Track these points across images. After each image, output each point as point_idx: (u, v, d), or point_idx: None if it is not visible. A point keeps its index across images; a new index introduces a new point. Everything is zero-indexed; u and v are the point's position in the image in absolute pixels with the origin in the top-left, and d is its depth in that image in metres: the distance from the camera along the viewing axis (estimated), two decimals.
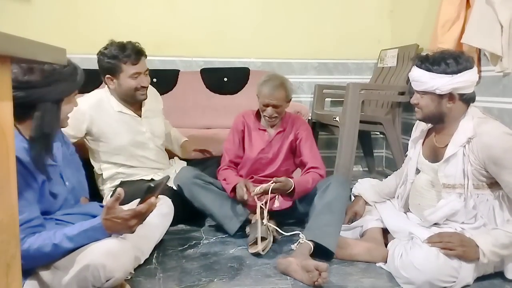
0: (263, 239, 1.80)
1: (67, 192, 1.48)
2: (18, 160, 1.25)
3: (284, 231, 1.88)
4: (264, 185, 1.86)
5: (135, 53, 2.01)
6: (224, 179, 2.06)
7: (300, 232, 1.76)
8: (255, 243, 1.79)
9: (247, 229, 1.97)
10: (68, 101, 1.41)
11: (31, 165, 1.30)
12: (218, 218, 2.01)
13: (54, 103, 1.33)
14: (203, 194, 1.99)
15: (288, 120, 2.16)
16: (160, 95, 2.44)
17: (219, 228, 2.07)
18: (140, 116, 2.17)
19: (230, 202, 2.01)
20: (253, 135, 2.15)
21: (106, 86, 2.10)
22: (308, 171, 2.04)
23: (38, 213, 1.31)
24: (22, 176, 1.26)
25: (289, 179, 1.91)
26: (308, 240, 1.69)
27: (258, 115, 2.18)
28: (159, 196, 1.84)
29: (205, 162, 2.39)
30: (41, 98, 1.29)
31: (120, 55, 1.99)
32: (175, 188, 2.05)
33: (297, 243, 1.71)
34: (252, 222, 1.95)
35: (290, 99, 2.10)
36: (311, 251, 1.68)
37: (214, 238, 2.02)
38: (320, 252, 1.70)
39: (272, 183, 1.84)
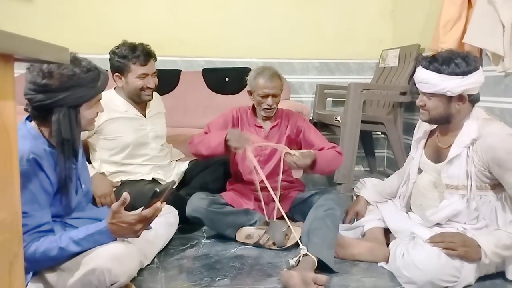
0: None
1: (82, 195, 1.48)
2: (36, 162, 1.27)
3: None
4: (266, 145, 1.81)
5: (145, 54, 2.06)
6: (205, 138, 1.94)
7: (301, 245, 1.66)
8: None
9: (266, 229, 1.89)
10: (89, 106, 1.39)
11: (49, 169, 1.30)
12: (246, 224, 1.96)
13: (71, 108, 1.32)
14: (224, 219, 1.93)
15: (281, 114, 2.14)
16: (162, 95, 2.45)
17: None
18: (145, 116, 2.20)
19: (249, 214, 1.97)
20: (249, 132, 2.08)
21: (114, 86, 2.14)
22: None
23: (49, 218, 1.31)
24: (38, 178, 1.27)
25: (310, 151, 1.85)
26: (312, 254, 1.60)
27: (254, 111, 2.15)
28: (168, 206, 1.85)
29: (205, 162, 2.39)
30: (57, 103, 1.29)
31: (130, 55, 2.04)
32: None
33: (297, 257, 1.62)
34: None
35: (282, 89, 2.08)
36: (315, 266, 1.58)
37: (216, 237, 2.01)
38: (320, 268, 1.62)
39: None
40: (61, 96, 1.29)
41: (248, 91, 2.09)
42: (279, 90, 2.03)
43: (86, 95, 1.35)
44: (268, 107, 2.02)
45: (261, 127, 2.11)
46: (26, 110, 1.35)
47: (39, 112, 1.32)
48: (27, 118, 1.37)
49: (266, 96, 2.00)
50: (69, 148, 1.33)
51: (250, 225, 1.95)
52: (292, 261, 1.64)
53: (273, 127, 2.11)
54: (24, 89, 1.30)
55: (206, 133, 2.04)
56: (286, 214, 1.83)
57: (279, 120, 2.12)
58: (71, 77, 1.30)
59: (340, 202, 1.95)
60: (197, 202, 1.93)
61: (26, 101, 1.33)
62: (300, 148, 2.06)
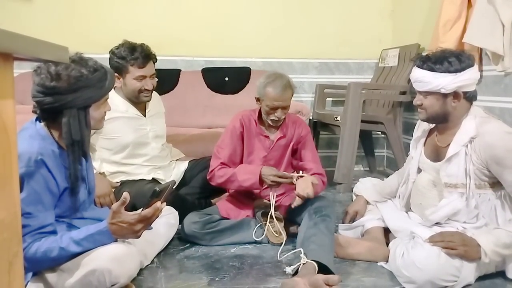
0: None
1: (86, 196, 1.48)
2: (44, 163, 1.27)
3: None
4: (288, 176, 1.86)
5: (143, 56, 2.04)
6: (231, 176, 1.92)
7: (301, 250, 1.62)
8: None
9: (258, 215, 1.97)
10: (97, 106, 1.40)
11: (56, 170, 1.31)
12: (244, 241, 1.94)
13: (81, 110, 1.33)
14: (220, 236, 1.91)
15: (288, 122, 2.04)
16: (162, 94, 2.45)
17: None
18: (145, 116, 2.20)
19: (245, 224, 1.96)
20: (255, 142, 2.02)
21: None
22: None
23: (52, 220, 1.31)
24: (45, 179, 1.27)
25: (314, 178, 1.85)
26: (311, 260, 1.55)
27: (259, 119, 2.03)
28: (169, 207, 1.85)
29: (205, 162, 2.39)
30: (66, 105, 1.29)
31: (129, 57, 2.03)
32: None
33: (295, 266, 1.57)
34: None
35: None
36: (316, 271, 1.52)
37: None
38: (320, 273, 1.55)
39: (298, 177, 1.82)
40: (70, 98, 1.29)
41: (256, 98, 1.96)
42: (289, 101, 1.91)
43: (94, 96, 1.35)
44: (277, 119, 1.93)
45: (267, 136, 2.03)
46: (34, 112, 1.35)
47: (49, 114, 1.33)
48: (37, 119, 1.38)
49: (275, 108, 1.89)
50: (79, 149, 1.34)
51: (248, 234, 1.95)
52: (289, 269, 1.59)
53: (280, 138, 2.02)
54: (32, 92, 1.31)
55: (222, 163, 1.96)
56: (284, 217, 1.92)
57: (285, 130, 2.03)
58: (79, 78, 1.31)
59: (333, 208, 1.92)
60: (189, 227, 1.89)
61: (34, 103, 1.33)
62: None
